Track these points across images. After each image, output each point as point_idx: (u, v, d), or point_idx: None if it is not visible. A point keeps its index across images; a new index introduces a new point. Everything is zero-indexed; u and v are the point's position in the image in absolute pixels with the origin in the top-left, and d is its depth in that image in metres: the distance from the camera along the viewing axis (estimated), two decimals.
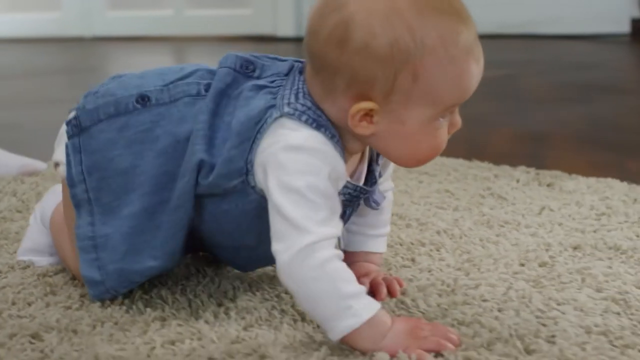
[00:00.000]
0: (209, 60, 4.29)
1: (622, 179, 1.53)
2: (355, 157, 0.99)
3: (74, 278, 1.11)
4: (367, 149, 1.00)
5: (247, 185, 0.94)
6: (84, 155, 1.00)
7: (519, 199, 1.45)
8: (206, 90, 0.98)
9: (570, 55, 3.64)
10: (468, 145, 1.94)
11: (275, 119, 0.91)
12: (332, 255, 0.88)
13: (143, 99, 0.99)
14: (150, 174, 0.97)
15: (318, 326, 0.95)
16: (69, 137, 1.01)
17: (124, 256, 0.98)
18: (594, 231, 1.27)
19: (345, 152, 0.94)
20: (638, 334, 0.91)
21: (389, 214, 1.10)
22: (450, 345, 0.87)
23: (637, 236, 1.24)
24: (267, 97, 0.93)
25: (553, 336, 0.91)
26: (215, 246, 1.04)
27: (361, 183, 0.99)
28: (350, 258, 1.06)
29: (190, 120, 0.97)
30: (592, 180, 1.55)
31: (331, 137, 0.91)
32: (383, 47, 0.86)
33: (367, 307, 0.88)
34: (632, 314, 0.97)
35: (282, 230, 0.88)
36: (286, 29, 4.93)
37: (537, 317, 0.97)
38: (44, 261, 1.17)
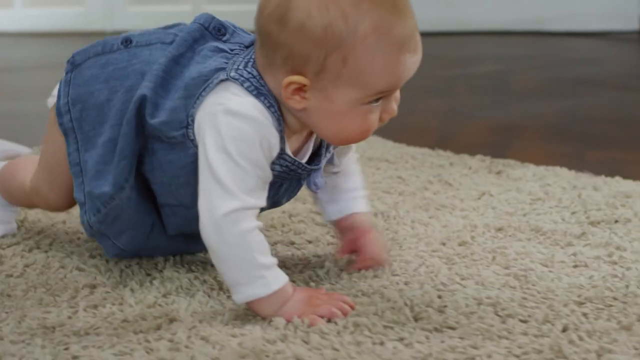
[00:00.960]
0: None
1: (578, 169, 1.58)
2: (300, 136, 1.04)
3: (23, 251, 1.19)
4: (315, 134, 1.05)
5: (187, 138, 0.99)
6: (72, 88, 1.09)
7: (464, 185, 1.50)
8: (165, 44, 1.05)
9: (572, 52, 3.66)
10: (439, 136, 2.00)
11: (221, 80, 0.97)
12: (253, 227, 0.94)
13: (126, 41, 1.08)
14: (117, 108, 1.04)
15: (229, 294, 1.02)
16: (65, 73, 1.10)
17: (90, 180, 1.06)
18: (524, 215, 1.32)
19: (286, 127, 0.99)
20: (524, 305, 0.97)
21: (359, 178, 1.15)
22: (339, 313, 0.94)
23: (562, 220, 1.29)
24: (221, 60, 0.99)
25: (445, 306, 0.98)
26: (163, 205, 1.08)
27: (303, 161, 1.04)
28: (340, 226, 1.13)
29: (154, 63, 1.03)
30: (541, 168, 1.60)
31: (269, 107, 0.96)
32: (317, 28, 0.91)
33: (277, 279, 0.95)
34: (527, 288, 1.03)
35: (210, 189, 0.94)
36: None
37: (438, 290, 1.03)
38: None
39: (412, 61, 0.95)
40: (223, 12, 5.28)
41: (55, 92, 1.13)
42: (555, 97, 2.53)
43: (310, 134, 1.05)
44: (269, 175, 0.98)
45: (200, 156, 0.96)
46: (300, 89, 0.95)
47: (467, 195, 1.44)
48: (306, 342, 0.90)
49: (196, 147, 0.98)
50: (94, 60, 1.08)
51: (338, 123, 0.97)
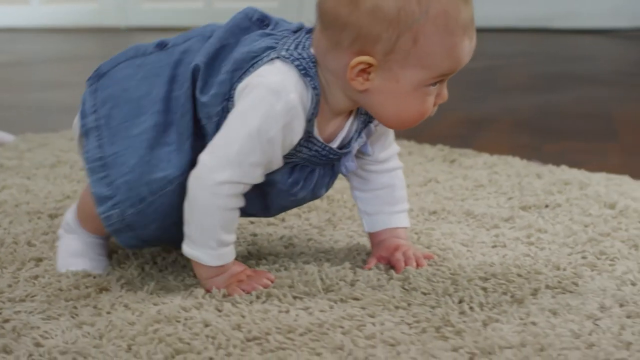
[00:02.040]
0: None
1: (531, 159, 1.63)
2: (337, 121, 1.05)
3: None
4: (351, 119, 1.06)
5: (227, 111, 1.00)
6: (99, 92, 1.07)
7: (415, 173, 1.57)
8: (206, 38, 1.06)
9: (571, 49, 3.70)
10: (412, 127, 2.05)
11: (272, 59, 0.99)
12: (235, 206, 0.99)
13: (161, 44, 1.08)
14: (160, 97, 1.03)
15: (160, 268, 1.09)
16: (90, 85, 1.09)
17: (132, 169, 1.01)
18: (462, 200, 1.38)
19: (328, 110, 1.02)
20: (431, 280, 1.03)
21: (404, 192, 1.15)
22: (259, 287, 1.01)
23: (497, 205, 1.35)
24: (271, 41, 1.01)
25: (357, 280, 1.04)
26: None
27: (335, 146, 1.05)
28: (377, 237, 1.13)
29: (196, 53, 1.03)
30: (494, 157, 1.65)
31: (313, 88, 0.98)
32: (391, 9, 0.93)
33: (224, 256, 1.01)
34: (440, 265, 1.08)
35: (218, 149, 0.97)
36: (311, 21, 5.07)
37: (356, 266, 1.09)
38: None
39: (471, 47, 0.99)
40: (236, 8, 5.37)
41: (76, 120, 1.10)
42: (536, 92, 2.58)
43: (347, 119, 1.06)
44: (278, 160, 1.00)
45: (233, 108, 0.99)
46: (365, 70, 0.97)
47: (414, 181, 1.50)
48: (219, 310, 0.97)
49: None
50: (126, 64, 1.08)
51: (400, 104, 0.98)
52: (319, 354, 0.85)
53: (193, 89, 1.02)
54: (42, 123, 2.20)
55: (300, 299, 0.99)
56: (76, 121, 1.09)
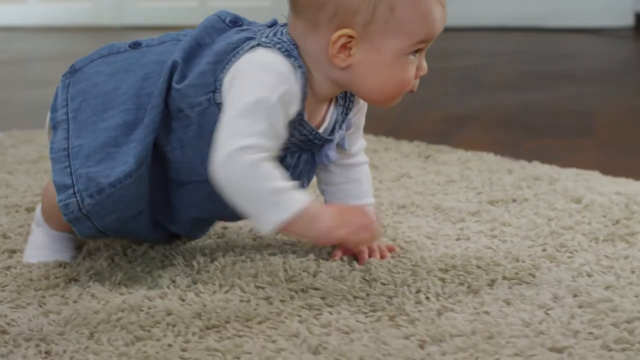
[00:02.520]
0: None
1: (509, 156, 1.66)
2: (321, 109, 1.08)
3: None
4: (332, 107, 1.08)
5: (213, 103, 1.02)
6: (71, 87, 1.08)
7: (390, 168, 1.59)
8: (185, 35, 1.08)
9: (561, 48, 3.72)
10: (394, 123, 2.08)
11: (252, 47, 1.01)
12: (262, 157, 0.98)
13: (135, 44, 1.10)
14: (131, 93, 1.05)
15: (130, 259, 1.12)
16: (64, 79, 1.10)
17: (97, 163, 1.03)
18: (432, 194, 1.41)
19: (312, 95, 1.04)
20: (392, 271, 1.05)
21: (369, 186, 1.18)
22: (366, 234, 0.99)
23: (466, 199, 1.38)
24: (248, 34, 1.04)
25: (319, 272, 1.06)
26: (186, 183, 1.08)
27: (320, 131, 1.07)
28: None
29: (174, 52, 1.05)
30: (468, 154, 1.68)
31: (298, 67, 1.01)
32: None
33: (295, 200, 0.98)
34: (403, 257, 1.11)
35: (224, 128, 0.98)
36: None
37: (321, 258, 1.11)
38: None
39: (444, 13, 1.03)
40: (230, 7, 5.40)
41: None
42: (520, 90, 2.60)
43: (328, 107, 1.08)
44: (281, 132, 1.01)
45: (224, 102, 1.00)
46: (345, 45, 1.00)
47: (388, 177, 1.53)
48: (182, 300, 0.99)
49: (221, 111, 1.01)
50: (100, 61, 1.09)
51: (383, 74, 1.01)
52: (274, 341, 0.88)
53: (169, 84, 1.04)
54: (32, 120, 2.23)
55: (263, 288, 1.02)
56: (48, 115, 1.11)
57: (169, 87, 1.04)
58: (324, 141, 1.09)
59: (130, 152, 1.02)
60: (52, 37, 5.24)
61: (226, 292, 1.01)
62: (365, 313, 0.95)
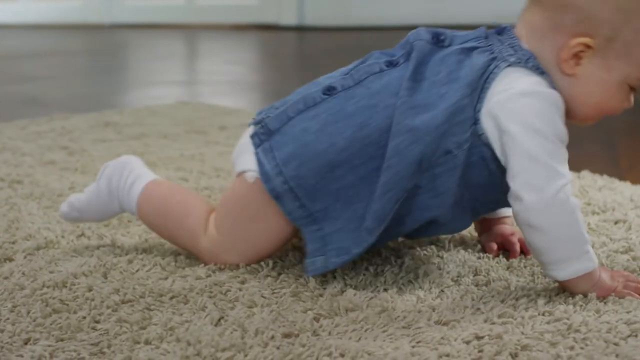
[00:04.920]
0: (217, 45, 4.57)
1: None
2: None
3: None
4: None
5: (475, 135, 0.97)
6: (276, 152, 1.01)
7: None
8: (387, 66, 1.02)
9: None
10: None
11: (503, 69, 0.97)
12: (578, 202, 0.96)
13: (329, 90, 1.02)
14: (355, 148, 0.98)
15: (69, 241, 1.18)
16: (258, 145, 1.03)
17: (346, 222, 1.00)
18: None
19: None
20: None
21: None
22: (636, 295, 0.97)
23: None
24: (485, 54, 0.98)
25: None
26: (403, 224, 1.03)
27: None
28: (488, 224, 1.16)
29: (382, 91, 1.00)
30: None
31: (552, 85, 0.98)
32: None
33: (594, 255, 0.97)
34: None
35: (530, 171, 0.94)
36: (289, 19, 5.18)
37: None
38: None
39: None
40: (215, 6, 5.47)
41: (242, 164, 1.05)
42: None
43: None
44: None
45: (510, 147, 0.95)
46: (578, 54, 0.97)
47: None
48: (105, 277, 1.06)
49: (483, 142, 0.97)
50: (297, 119, 1.02)
51: (603, 94, 0.98)
52: (181, 314, 0.94)
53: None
54: (5, 114, 2.29)
55: (182, 268, 1.08)
56: (244, 166, 1.05)
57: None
58: None
59: (372, 208, 0.98)
60: (42, 34, 5.32)
61: (147, 270, 1.08)
62: (273, 289, 1.01)
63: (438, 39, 1.02)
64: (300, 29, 5.28)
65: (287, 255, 1.11)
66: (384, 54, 1.04)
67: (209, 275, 1.05)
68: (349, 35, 4.89)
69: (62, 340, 0.89)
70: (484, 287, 1.01)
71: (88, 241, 1.20)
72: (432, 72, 0.99)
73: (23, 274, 1.07)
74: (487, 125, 0.96)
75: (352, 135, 0.98)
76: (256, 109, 2.33)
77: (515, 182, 0.94)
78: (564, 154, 0.96)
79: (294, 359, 0.83)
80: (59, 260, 1.12)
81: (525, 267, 1.08)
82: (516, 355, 0.83)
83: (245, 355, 0.84)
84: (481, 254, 1.12)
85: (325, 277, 1.04)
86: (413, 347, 0.85)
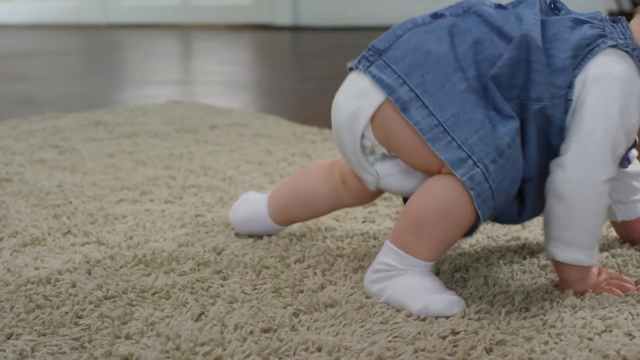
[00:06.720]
0: (212, 45, 4.52)
1: None
2: None
3: None
4: None
5: (564, 99, 0.97)
6: (394, 65, 0.99)
7: (321, 157, 1.67)
8: (493, 7, 1.02)
9: None
10: None
11: (609, 46, 0.98)
12: (608, 201, 0.97)
13: (436, 15, 1.02)
14: (469, 61, 0.97)
15: (55, 237, 1.20)
16: (370, 64, 1.00)
17: (482, 123, 0.96)
18: None
19: None
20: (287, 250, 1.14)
21: None
22: (620, 293, 0.99)
23: None
24: (596, 30, 0.99)
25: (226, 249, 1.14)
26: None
27: None
28: (626, 226, 1.16)
29: (495, 16, 0.99)
30: None
31: None
32: None
33: (597, 254, 1.00)
34: (303, 237, 1.19)
35: (591, 151, 0.95)
36: (284, 19, 5.19)
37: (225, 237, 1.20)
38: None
39: None
40: (210, 5, 5.48)
41: (352, 103, 1.00)
42: None
43: None
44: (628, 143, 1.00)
45: (580, 114, 0.96)
46: None
47: (308, 163, 1.60)
48: (89, 274, 1.07)
49: (565, 110, 0.98)
50: (408, 34, 1.00)
51: None
52: (162, 310, 0.96)
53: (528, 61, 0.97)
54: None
55: (166, 264, 1.09)
56: (357, 106, 1.00)
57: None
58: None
59: (502, 113, 0.96)
60: (38, 34, 5.33)
61: (131, 267, 1.09)
62: (254, 285, 1.02)
63: (553, 6, 1.03)
64: (295, 29, 5.30)
65: (268, 249, 1.13)
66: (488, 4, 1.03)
67: (194, 270, 1.07)
68: (344, 35, 4.90)
69: (44, 335, 0.90)
70: (462, 284, 1.02)
71: (74, 238, 1.21)
72: (545, 27, 0.99)
73: (8, 270, 1.09)
74: (577, 93, 0.97)
75: (468, 50, 0.97)
76: (249, 109, 2.34)
77: (569, 152, 0.96)
78: (623, 148, 0.97)
79: (271, 354, 0.84)
80: (44, 257, 1.13)
81: (505, 264, 1.09)
82: (491, 350, 0.85)
83: (224, 350, 0.85)
84: (462, 251, 1.13)
85: (307, 274, 1.05)
86: (390, 342, 0.87)
